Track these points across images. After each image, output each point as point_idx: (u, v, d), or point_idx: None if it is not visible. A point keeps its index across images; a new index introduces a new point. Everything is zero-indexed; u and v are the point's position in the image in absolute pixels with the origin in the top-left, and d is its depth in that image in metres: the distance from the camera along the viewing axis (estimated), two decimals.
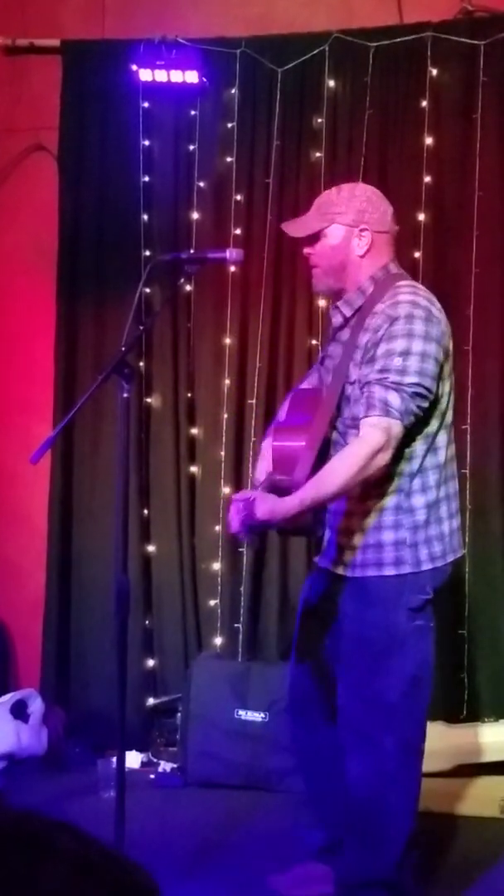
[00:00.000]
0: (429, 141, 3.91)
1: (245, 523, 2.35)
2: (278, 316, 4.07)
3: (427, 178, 3.91)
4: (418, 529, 2.58)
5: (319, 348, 3.01)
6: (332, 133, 4.02)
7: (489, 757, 3.58)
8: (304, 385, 2.97)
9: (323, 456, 2.57)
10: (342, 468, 2.45)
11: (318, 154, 4.02)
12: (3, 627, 4.41)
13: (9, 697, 3.97)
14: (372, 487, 2.56)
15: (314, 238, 2.66)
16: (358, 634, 2.62)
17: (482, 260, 3.88)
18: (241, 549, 4.08)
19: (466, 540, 3.84)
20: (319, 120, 4.02)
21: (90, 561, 4.22)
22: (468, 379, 3.86)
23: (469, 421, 3.87)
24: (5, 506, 4.41)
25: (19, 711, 3.88)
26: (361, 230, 2.62)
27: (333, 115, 4.02)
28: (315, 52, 3.98)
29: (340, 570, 2.66)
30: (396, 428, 2.45)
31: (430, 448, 2.58)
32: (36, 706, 3.94)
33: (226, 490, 4.04)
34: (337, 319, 2.70)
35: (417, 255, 3.91)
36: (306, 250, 2.69)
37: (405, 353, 2.47)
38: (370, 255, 2.64)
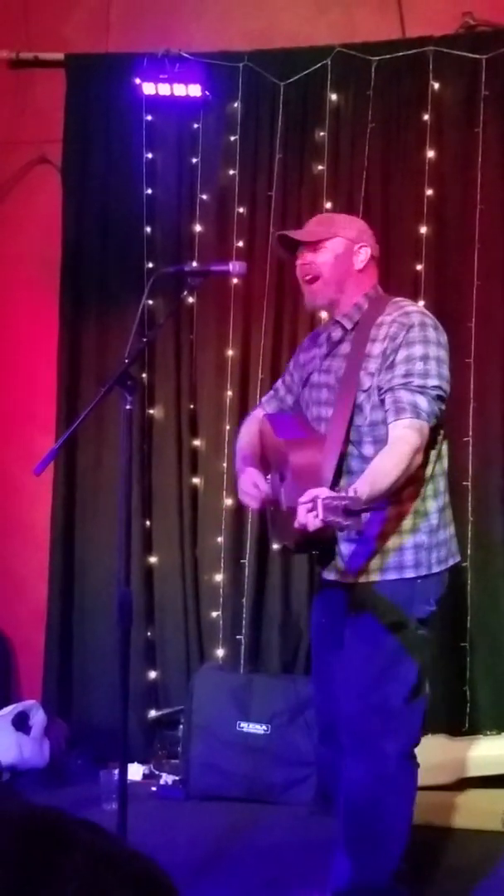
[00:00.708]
0: (430, 154, 3.93)
1: (352, 507, 2.21)
2: (280, 328, 4.09)
3: (429, 192, 3.93)
4: (433, 533, 2.66)
5: (288, 367, 2.99)
6: (334, 146, 4.04)
7: (491, 770, 3.57)
8: (269, 410, 2.97)
9: (339, 469, 2.59)
10: (391, 467, 2.45)
11: (320, 167, 4.04)
12: (5, 639, 4.41)
13: (10, 709, 3.97)
14: (393, 492, 2.58)
15: (315, 248, 2.69)
16: (367, 641, 2.63)
17: (484, 273, 3.90)
18: (242, 561, 4.08)
19: (468, 552, 3.86)
20: (322, 133, 4.04)
21: (92, 572, 4.22)
22: (470, 391, 3.87)
23: (471, 433, 3.88)
24: (8, 517, 4.42)
25: (21, 723, 3.88)
26: (361, 246, 2.71)
27: (336, 128, 4.04)
28: (317, 65, 4.01)
29: (354, 579, 2.66)
30: (426, 429, 2.52)
31: (440, 454, 2.67)
32: (38, 718, 3.94)
33: (228, 501, 4.04)
34: (336, 333, 2.73)
35: (419, 267, 3.92)
36: (308, 257, 2.71)
37: (425, 358, 2.55)
38: (366, 273, 2.73)
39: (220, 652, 4.10)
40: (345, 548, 2.67)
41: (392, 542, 2.63)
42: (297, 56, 4.06)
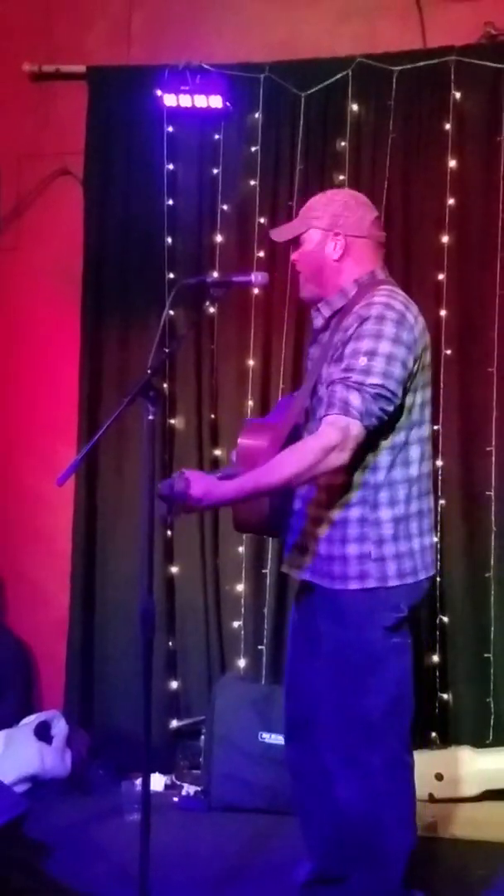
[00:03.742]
0: (452, 164, 3.92)
1: (173, 493, 2.30)
2: (301, 337, 4.08)
3: (451, 201, 3.92)
4: (384, 543, 2.50)
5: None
6: (355, 156, 4.04)
7: None
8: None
9: None
10: (291, 460, 2.39)
11: (341, 177, 4.04)
12: (27, 649, 4.42)
13: (33, 719, 3.97)
14: (337, 496, 2.51)
15: (297, 243, 2.67)
16: (335, 654, 2.56)
17: None
18: (264, 571, 4.07)
19: (491, 562, 3.84)
20: (342, 143, 4.04)
21: (114, 582, 4.23)
22: (493, 401, 3.86)
23: (494, 443, 3.87)
24: (29, 527, 4.43)
25: (43, 733, 3.89)
26: (335, 234, 2.61)
27: (357, 138, 4.04)
28: (339, 76, 4.01)
29: (299, 575, 2.63)
30: (355, 429, 2.39)
31: (400, 460, 2.51)
32: (60, 728, 3.94)
33: None
34: (317, 321, 2.66)
35: (441, 277, 3.92)
36: (293, 256, 2.70)
37: (371, 353, 2.42)
38: (349, 260, 2.61)
39: (241, 662, 4.09)
40: (290, 539, 2.64)
41: (336, 549, 2.52)
42: (318, 67, 4.07)
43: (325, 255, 2.61)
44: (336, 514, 2.52)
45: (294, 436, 2.56)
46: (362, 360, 2.41)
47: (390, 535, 2.50)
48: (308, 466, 2.37)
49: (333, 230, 2.60)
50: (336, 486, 2.50)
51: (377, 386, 2.39)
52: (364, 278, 2.60)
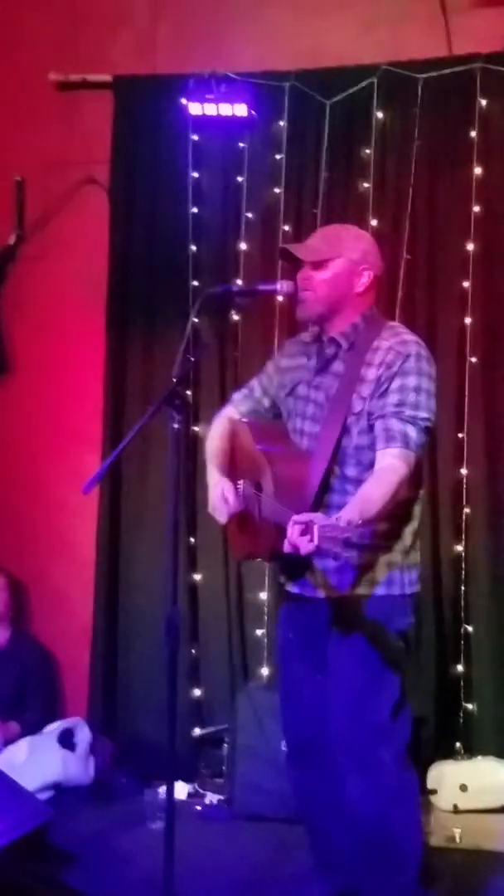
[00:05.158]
0: (478, 171, 3.91)
1: (347, 541, 2.26)
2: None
3: (476, 208, 3.91)
4: (406, 554, 2.69)
5: (266, 369, 2.97)
6: (380, 164, 4.03)
7: None
8: (242, 409, 2.97)
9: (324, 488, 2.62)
10: (378, 497, 2.46)
11: (366, 185, 4.03)
12: (51, 656, 4.42)
13: (56, 726, 3.98)
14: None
15: (317, 265, 2.69)
16: (355, 655, 2.64)
17: None
18: None
19: None
20: (367, 151, 4.03)
21: (137, 590, 4.23)
22: None
23: None
24: (54, 536, 4.44)
25: (66, 741, 3.89)
26: (364, 269, 2.69)
27: (382, 146, 4.03)
28: (364, 84, 4.01)
29: (326, 593, 2.67)
30: (412, 460, 2.57)
31: (414, 481, 2.67)
32: (83, 735, 3.94)
33: None
34: (330, 350, 2.72)
35: (466, 284, 3.90)
36: (308, 272, 2.70)
37: (418, 389, 2.58)
38: (365, 295, 2.72)
39: (264, 671, 4.08)
40: (322, 563, 2.66)
41: (364, 558, 2.63)
42: (344, 75, 4.07)
43: (351, 286, 2.69)
44: (371, 528, 2.60)
45: (334, 462, 2.63)
46: (412, 396, 2.57)
47: (409, 546, 2.70)
48: (390, 500, 2.49)
49: (362, 265, 2.69)
50: None
51: (426, 419, 2.58)
52: (368, 313, 2.73)
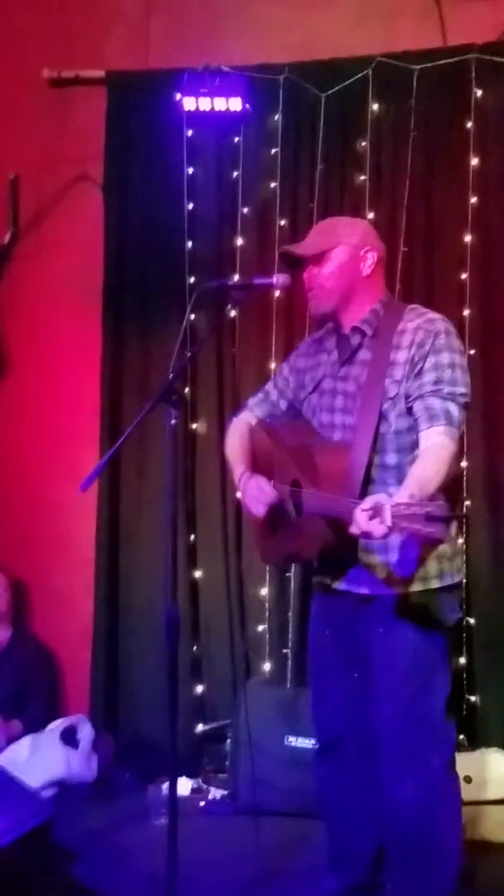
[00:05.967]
0: (474, 162, 3.89)
1: (429, 516, 2.19)
2: None
3: (473, 199, 3.90)
4: (451, 541, 2.65)
5: (282, 372, 2.95)
6: (376, 156, 4.02)
7: None
8: (258, 414, 2.94)
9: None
10: (433, 474, 2.44)
11: (362, 177, 4.02)
12: (53, 655, 4.42)
13: (59, 724, 3.98)
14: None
15: (318, 260, 2.67)
16: (410, 652, 2.60)
17: None
18: (288, 574, 4.05)
19: None
20: (363, 143, 4.02)
21: (138, 587, 4.22)
22: None
23: None
24: (53, 534, 4.43)
25: (69, 738, 3.89)
26: (366, 251, 2.68)
27: (377, 138, 4.02)
28: (358, 76, 3.99)
29: (370, 590, 2.63)
30: (457, 436, 2.54)
31: (459, 457, 2.71)
32: (85, 733, 3.94)
33: None
34: (355, 340, 2.70)
35: (464, 276, 3.89)
36: (313, 271, 2.69)
37: (453, 365, 2.56)
38: (374, 278, 2.70)
39: (266, 666, 4.08)
40: (368, 557, 2.62)
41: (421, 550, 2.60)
42: (338, 67, 4.05)
43: (358, 271, 2.67)
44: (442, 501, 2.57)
45: (374, 451, 2.59)
46: (448, 373, 2.55)
47: (454, 533, 2.67)
48: (445, 476, 2.46)
49: (364, 248, 2.67)
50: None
51: (464, 395, 2.56)
52: (385, 298, 2.72)
